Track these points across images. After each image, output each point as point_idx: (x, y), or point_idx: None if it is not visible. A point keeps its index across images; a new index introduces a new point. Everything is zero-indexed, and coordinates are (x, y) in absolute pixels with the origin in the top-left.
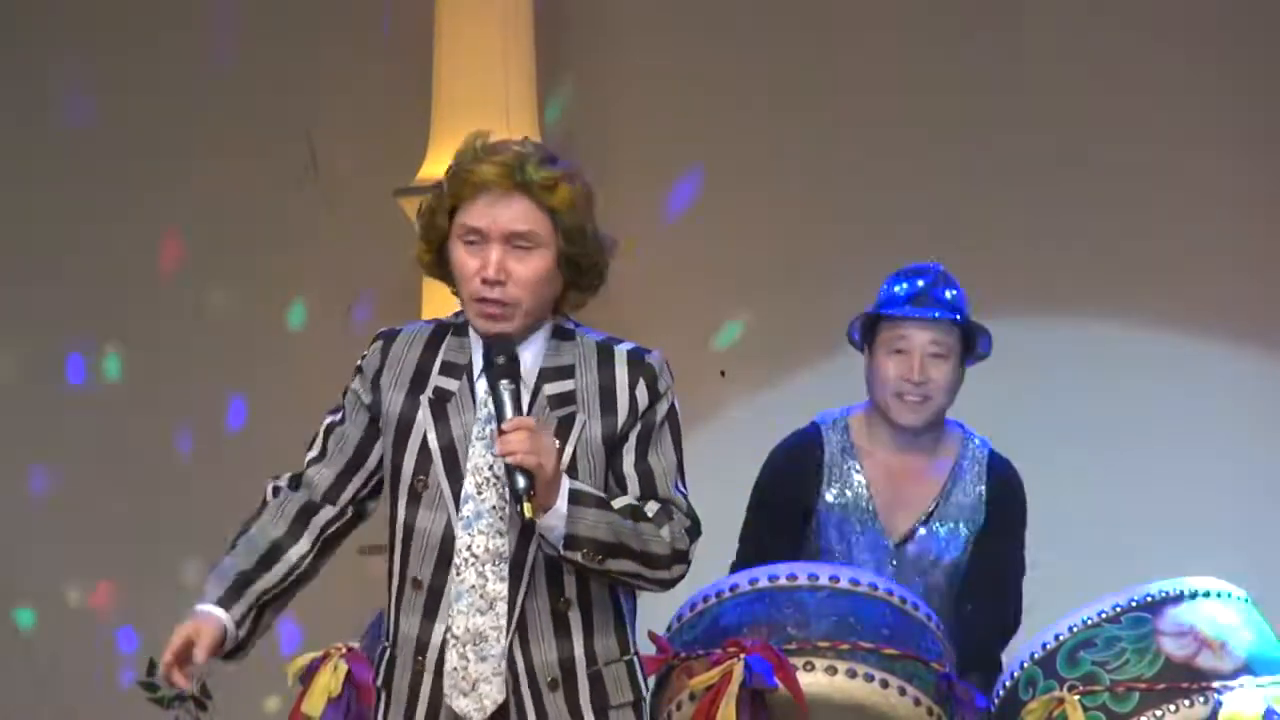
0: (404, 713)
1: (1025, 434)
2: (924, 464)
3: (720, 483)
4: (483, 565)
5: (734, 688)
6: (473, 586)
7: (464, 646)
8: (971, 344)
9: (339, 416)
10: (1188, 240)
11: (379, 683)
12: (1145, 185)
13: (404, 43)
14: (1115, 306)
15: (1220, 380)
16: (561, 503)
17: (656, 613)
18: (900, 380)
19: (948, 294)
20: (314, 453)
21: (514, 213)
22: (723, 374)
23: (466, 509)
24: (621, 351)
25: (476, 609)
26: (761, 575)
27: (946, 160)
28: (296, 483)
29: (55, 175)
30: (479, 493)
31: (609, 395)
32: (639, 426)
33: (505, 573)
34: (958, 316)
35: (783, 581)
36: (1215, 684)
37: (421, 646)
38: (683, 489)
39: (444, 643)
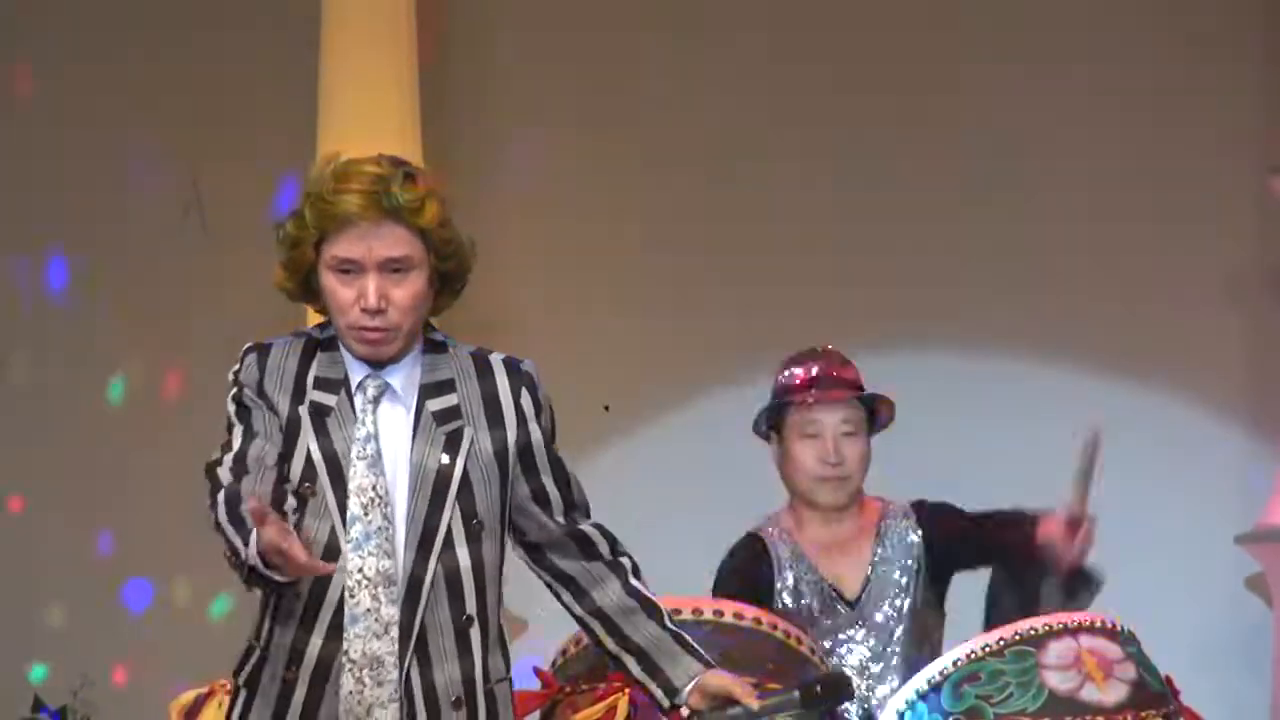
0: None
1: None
2: (854, 530)
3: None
4: (375, 588)
5: None
6: (368, 610)
7: (360, 671)
8: (875, 415)
9: (241, 437)
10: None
11: (241, 680)
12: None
13: (289, 71)
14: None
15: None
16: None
17: (542, 645)
18: (819, 464)
19: (847, 374)
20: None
21: (387, 241)
22: (606, 409)
23: (354, 530)
24: (497, 361)
25: (373, 633)
26: None
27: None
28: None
29: None
30: (365, 514)
31: (493, 405)
32: (534, 437)
33: (396, 595)
34: (861, 392)
35: None
36: (1099, 717)
37: (296, 656)
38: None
39: (338, 665)
